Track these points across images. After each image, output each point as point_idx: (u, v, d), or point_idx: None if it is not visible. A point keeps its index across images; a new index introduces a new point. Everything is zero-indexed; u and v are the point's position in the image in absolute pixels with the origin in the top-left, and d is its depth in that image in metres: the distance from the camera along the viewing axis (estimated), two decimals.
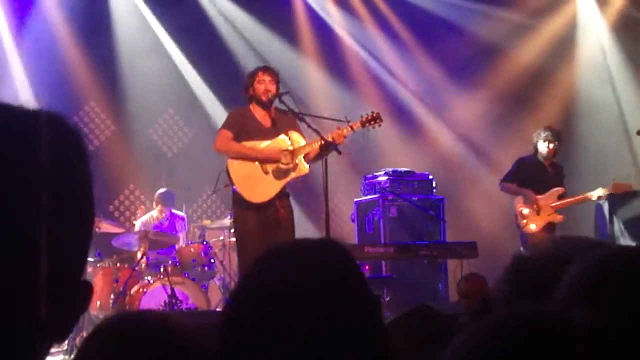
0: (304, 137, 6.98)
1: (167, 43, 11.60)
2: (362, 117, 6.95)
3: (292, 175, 6.81)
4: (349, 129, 6.75)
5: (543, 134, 8.71)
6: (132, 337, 1.36)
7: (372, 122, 6.93)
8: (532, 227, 8.51)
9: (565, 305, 1.38)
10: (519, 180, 8.70)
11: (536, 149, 8.73)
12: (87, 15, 11.04)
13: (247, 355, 1.52)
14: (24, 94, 10.36)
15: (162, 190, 9.59)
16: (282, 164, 6.74)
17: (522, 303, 1.03)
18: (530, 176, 8.67)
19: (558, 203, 8.57)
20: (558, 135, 8.77)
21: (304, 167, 6.85)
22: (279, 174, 6.77)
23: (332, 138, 6.63)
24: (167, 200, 9.38)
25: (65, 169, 0.90)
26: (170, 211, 9.42)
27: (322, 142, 6.60)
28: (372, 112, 7.01)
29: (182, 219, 9.56)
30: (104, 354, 1.36)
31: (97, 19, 11.17)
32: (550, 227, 8.50)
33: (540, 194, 8.57)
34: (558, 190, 8.61)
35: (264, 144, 6.78)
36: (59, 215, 0.88)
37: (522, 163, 8.83)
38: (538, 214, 8.52)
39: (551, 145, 8.63)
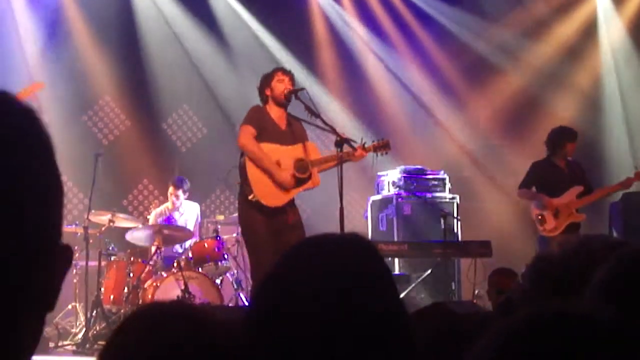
0: (316, 147, 6.99)
1: (183, 38, 11.62)
2: (373, 142, 7.05)
3: (306, 185, 6.79)
4: (360, 152, 6.85)
5: (559, 133, 8.57)
6: (166, 326, 1.36)
7: (381, 149, 7.04)
8: (551, 230, 8.30)
9: (595, 303, 1.38)
10: (536, 185, 8.50)
11: (551, 150, 8.57)
12: (102, 8, 11.07)
13: (276, 347, 1.53)
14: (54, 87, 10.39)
15: (174, 178, 9.63)
16: (298, 173, 6.71)
17: (546, 301, 1.03)
18: (546, 179, 8.47)
19: (578, 202, 8.37)
20: (574, 133, 8.64)
21: (317, 179, 6.83)
22: (294, 183, 6.76)
23: (354, 157, 6.74)
24: (180, 183, 9.37)
25: (19, 144, 0.93)
26: (183, 201, 9.41)
27: (338, 139, 6.61)
28: (383, 140, 7.11)
29: (196, 208, 9.57)
30: (136, 344, 1.35)
31: (113, 12, 11.20)
32: (572, 227, 8.30)
33: (559, 195, 8.36)
34: (577, 189, 8.39)
35: (279, 148, 6.74)
36: (21, 185, 0.91)
37: (536, 167, 8.62)
38: (556, 216, 8.31)
39: (568, 145, 8.48)
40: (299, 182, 6.74)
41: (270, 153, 6.68)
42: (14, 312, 0.89)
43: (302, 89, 6.86)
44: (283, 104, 6.83)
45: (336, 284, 1.56)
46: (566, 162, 8.58)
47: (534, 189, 8.52)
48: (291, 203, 6.75)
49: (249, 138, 6.63)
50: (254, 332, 1.59)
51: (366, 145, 6.89)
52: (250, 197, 6.57)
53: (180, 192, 9.33)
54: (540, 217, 8.36)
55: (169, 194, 9.40)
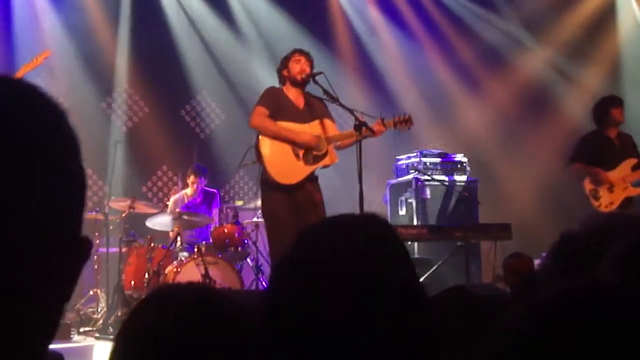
0: (334, 124, 6.98)
1: (201, 25, 11.64)
2: (394, 117, 6.98)
3: (323, 162, 6.79)
4: (383, 127, 6.80)
5: (600, 103, 8.14)
6: (180, 307, 1.37)
7: (402, 124, 6.97)
8: (607, 205, 7.88)
9: (608, 274, 1.38)
10: (588, 159, 7.97)
11: (598, 122, 8.08)
12: None
13: (293, 329, 1.53)
14: (59, 76, 10.44)
15: (193, 164, 9.64)
16: (316, 150, 6.72)
17: (568, 279, 1.02)
18: (597, 152, 7.95)
19: (633, 175, 7.92)
20: (615, 98, 8.18)
21: (334, 156, 6.84)
22: (309, 160, 6.75)
23: (372, 133, 6.68)
24: (200, 171, 9.40)
25: (44, 131, 0.93)
26: (203, 187, 9.43)
27: (357, 123, 6.59)
28: (405, 115, 7.05)
29: (215, 195, 9.57)
30: (151, 323, 1.36)
31: (132, 0, 11.23)
32: (627, 202, 7.87)
33: (611, 169, 7.90)
34: (630, 161, 7.94)
35: (299, 127, 6.76)
36: (42, 175, 0.91)
37: (586, 140, 8.11)
38: (611, 191, 7.89)
39: (612, 111, 7.97)
40: (315, 159, 6.75)
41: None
42: (29, 302, 0.90)
43: (320, 72, 6.85)
44: (299, 84, 6.85)
45: (354, 263, 1.56)
46: (618, 134, 8.10)
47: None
48: (311, 180, 6.75)
49: (260, 118, 6.65)
50: (271, 313, 1.59)
51: (385, 121, 6.86)
52: (265, 173, 6.61)
53: (201, 180, 9.35)
54: (594, 192, 7.97)
55: (189, 182, 9.42)
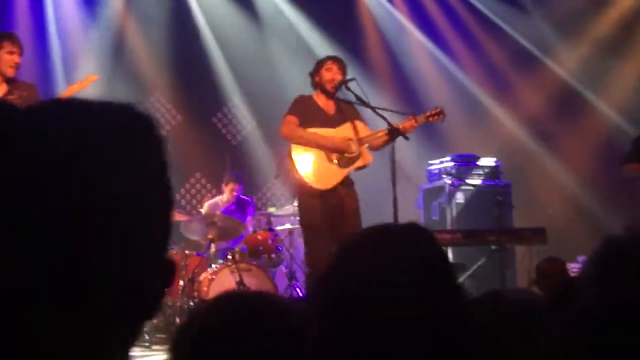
0: (366, 126, 6.99)
1: (231, 33, 11.70)
2: (426, 112, 6.98)
3: (357, 164, 6.81)
4: (414, 121, 6.79)
5: None
6: (251, 314, 1.38)
7: (435, 117, 6.96)
8: None
9: None
10: None
11: None
12: (153, 5, 11.19)
13: (339, 337, 1.53)
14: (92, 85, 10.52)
15: (229, 171, 9.66)
16: (348, 153, 6.74)
17: (612, 287, 1.01)
18: None
19: None
20: None
21: (368, 157, 6.85)
22: (344, 163, 6.76)
23: (403, 127, 6.67)
24: (238, 178, 9.43)
25: (141, 156, 0.95)
26: (239, 195, 9.46)
27: (390, 129, 6.60)
28: (437, 107, 7.04)
29: (250, 203, 9.60)
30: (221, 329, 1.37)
31: (164, 9, 11.30)
32: None
33: None
34: None
35: (329, 132, 6.78)
36: (133, 198, 0.91)
37: None
38: None
39: None
40: (349, 161, 6.76)
41: None
42: (109, 321, 0.90)
43: (353, 79, 6.87)
44: (330, 92, 6.86)
45: (398, 271, 1.56)
46: None
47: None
48: (346, 185, 6.76)
49: (289, 127, 6.70)
50: (316, 323, 1.60)
51: (417, 116, 6.85)
52: (300, 180, 6.63)
53: (239, 187, 9.39)
54: None
55: (227, 188, 9.43)
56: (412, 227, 1.70)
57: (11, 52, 6.33)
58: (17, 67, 6.38)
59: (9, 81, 6.41)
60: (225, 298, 1.47)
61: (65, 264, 0.85)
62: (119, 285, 0.89)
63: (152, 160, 0.96)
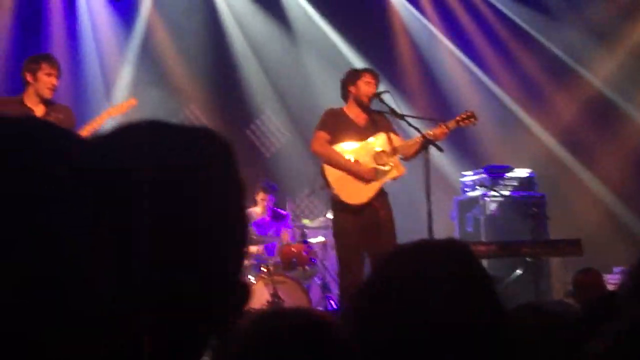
0: (398, 137, 6.98)
1: (265, 46, 11.76)
2: (457, 116, 6.95)
3: (389, 176, 6.79)
4: (445, 127, 6.76)
5: None
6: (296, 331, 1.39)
7: (466, 121, 6.93)
8: None
9: None
10: None
11: None
12: (185, 18, 11.29)
13: (382, 349, 1.54)
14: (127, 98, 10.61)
15: (263, 181, 9.65)
16: (379, 165, 6.72)
17: None
18: None
19: None
20: None
21: (401, 168, 6.83)
22: (376, 175, 6.75)
23: (434, 134, 6.65)
24: (269, 188, 9.44)
25: (221, 180, 0.95)
26: (273, 207, 9.47)
27: (423, 139, 6.58)
28: (467, 111, 7.01)
29: (286, 217, 9.60)
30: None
31: (197, 21, 11.40)
32: None
33: None
34: None
35: (359, 145, 6.77)
36: (214, 221, 0.92)
37: None
38: None
39: None
40: (381, 173, 6.75)
41: (347, 152, 6.72)
42: (181, 342, 0.91)
43: (386, 91, 6.87)
44: (365, 105, 6.86)
45: (437, 289, 1.56)
46: None
47: None
48: (380, 197, 6.75)
49: (320, 143, 6.70)
50: (355, 337, 1.60)
51: (447, 122, 6.83)
52: (334, 195, 6.64)
53: (270, 197, 9.39)
54: None
55: (258, 199, 9.44)
56: (451, 243, 1.70)
57: (49, 74, 6.37)
58: (55, 89, 6.42)
59: (46, 103, 6.45)
60: (268, 314, 1.48)
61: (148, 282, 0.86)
62: (197, 308, 0.90)
63: (233, 186, 0.97)
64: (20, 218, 0.83)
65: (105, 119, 6.74)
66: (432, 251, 1.67)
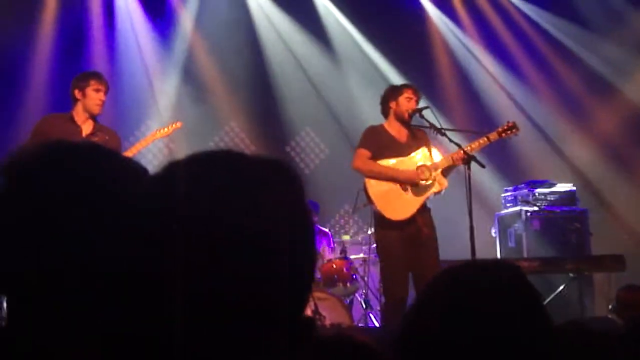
0: (440, 151, 6.97)
1: (304, 62, 11.81)
2: (499, 127, 6.96)
3: (432, 190, 6.78)
4: (486, 139, 6.77)
5: None
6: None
7: (508, 132, 6.92)
8: None
9: None
10: None
11: None
12: (226, 37, 11.37)
13: None
14: (168, 116, 10.71)
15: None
16: (421, 179, 6.72)
17: None
18: None
19: None
20: None
21: (443, 182, 6.82)
22: (419, 190, 6.75)
23: (471, 148, 6.65)
24: (315, 208, 9.45)
25: (293, 213, 0.95)
26: (315, 225, 9.47)
27: (464, 155, 6.56)
28: (508, 122, 7.02)
29: (327, 235, 9.60)
30: None
31: (238, 41, 11.47)
32: None
33: None
34: None
35: (400, 161, 6.78)
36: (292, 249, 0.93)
37: None
38: None
39: None
40: (424, 188, 6.74)
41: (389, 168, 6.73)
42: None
43: (426, 107, 6.86)
44: (406, 121, 6.86)
45: (490, 306, 1.56)
46: None
47: None
48: (423, 213, 6.74)
49: (362, 160, 6.73)
50: (408, 354, 1.60)
51: (489, 134, 6.83)
52: (377, 212, 6.64)
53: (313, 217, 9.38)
54: None
55: None
56: (500, 263, 1.70)
57: (97, 90, 6.49)
58: (103, 105, 6.54)
59: (94, 121, 6.58)
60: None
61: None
62: (261, 344, 0.90)
63: (302, 221, 0.97)
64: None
65: (151, 141, 6.85)
66: (481, 271, 1.66)
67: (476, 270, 1.67)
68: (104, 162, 0.98)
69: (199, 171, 0.95)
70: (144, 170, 1.06)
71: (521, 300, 1.60)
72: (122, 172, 0.98)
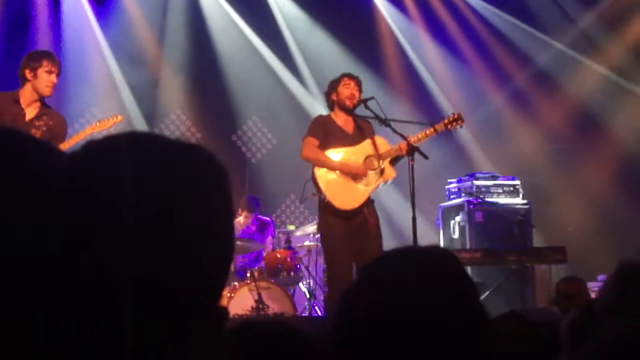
0: (386, 141, 6.99)
1: (250, 51, 11.76)
2: (444, 119, 7.00)
3: (381, 180, 6.80)
4: (432, 130, 6.80)
5: None
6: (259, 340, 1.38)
7: (454, 123, 6.97)
8: None
9: None
10: None
11: None
12: (172, 20, 11.30)
13: (364, 357, 1.54)
14: (109, 103, 10.61)
15: (246, 196, 9.60)
16: (370, 169, 6.74)
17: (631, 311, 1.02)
18: None
19: None
20: None
21: (391, 171, 6.85)
22: (368, 181, 6.77)
23: (417, 139, 6.68)
24: (252, 206, 9.42)
25: (212, 197, 0.94)
26: (257, 216, 9.45)
27: (408, 146, 6.59)
28: (454, 114, 7.06)
29: (269, 223, 9.59)
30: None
31: (183, 27, 11.40)
32: None
33: None
34: None
35: (348, 150, 6.79)
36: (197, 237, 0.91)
37: None
38: None
39: None
40: (373, 177, 6.76)
41: (336, 158, 6.73)
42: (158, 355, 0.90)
43: (371, 98, 6.87)
44: (348, 109, 6.87)
45: (421, 297, 1.56)
46: None
47: None
48: (368, 204, 6.76)
49: (310, 149, 6.73)
50: (340, 342, 1.60)
51: (435, 125, 6.87)
52: (325, 201, 6.64)
53: (255, 215, 9.37)
54: None
55: (242, 215, 9.38)
56: (435, 250, 1.70)
57: (50, 72, 6.18)
58: (54, 87, 6.24)
59: (43, 103, 6.31)
60: (242, 329, 1.47)
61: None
62: (167, 332, 0.89)
63: (224, 204, 0.96)
64: None
65: (89, 134, 6.59)
66: (415, 258, 1.66)
67: (407, 256, 1.67)
68: (14, 147, 0.95)
69: (117, 150, 0.93)
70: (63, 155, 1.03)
71: (453, 286, 1.60)
72: (38, 154, 0.95)
